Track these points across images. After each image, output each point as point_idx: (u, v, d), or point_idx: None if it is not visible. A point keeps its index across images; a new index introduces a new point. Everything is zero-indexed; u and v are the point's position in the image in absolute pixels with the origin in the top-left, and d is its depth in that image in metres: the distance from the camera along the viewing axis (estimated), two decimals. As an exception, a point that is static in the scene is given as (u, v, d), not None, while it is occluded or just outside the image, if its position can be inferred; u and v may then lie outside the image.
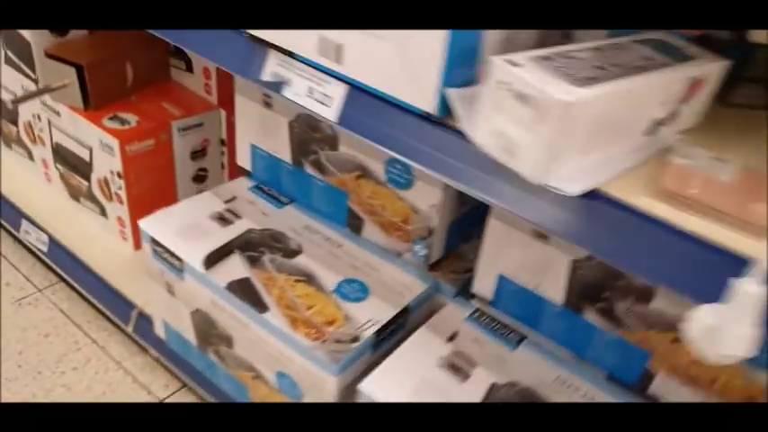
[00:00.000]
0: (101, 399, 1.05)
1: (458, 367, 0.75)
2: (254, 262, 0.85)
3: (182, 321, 0.92)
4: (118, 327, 1.15)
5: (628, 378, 0.74)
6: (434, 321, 0.81)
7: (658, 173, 0.50)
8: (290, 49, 0.62)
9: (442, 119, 0.55)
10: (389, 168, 0.82)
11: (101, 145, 1.06)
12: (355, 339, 0.76)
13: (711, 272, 0.41)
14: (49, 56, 1.05)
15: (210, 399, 1.01)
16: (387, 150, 0.58)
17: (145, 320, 1.03)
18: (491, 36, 0.55)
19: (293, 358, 0.77)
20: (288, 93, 0.64)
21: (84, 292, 1.18)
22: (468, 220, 0.90)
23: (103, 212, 1.16)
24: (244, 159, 1.01)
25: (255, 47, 0.66)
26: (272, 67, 0.65)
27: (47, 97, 1.12)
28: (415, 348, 0.76)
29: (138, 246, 1.14)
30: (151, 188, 1.10)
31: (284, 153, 0.94)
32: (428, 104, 0.54)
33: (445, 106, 0.54)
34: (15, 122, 1.29)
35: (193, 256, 0.84)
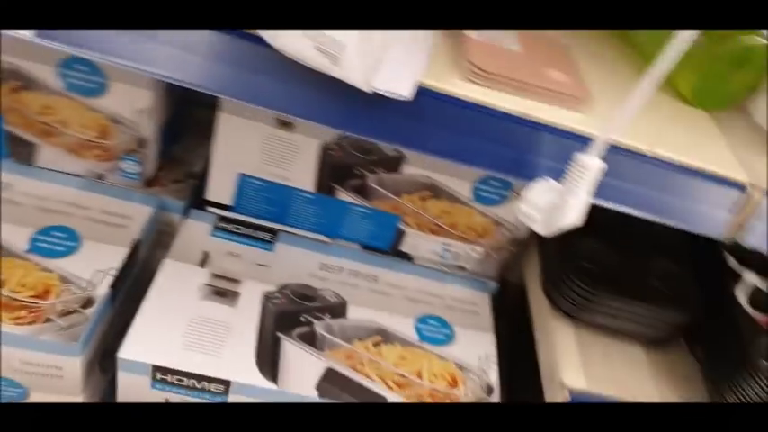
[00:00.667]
0: None
1: (223, 291, 0.65)
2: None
3: None
4: None
5: (382, 244, 0.75)
6: (176, 248, 0.68)
7: (456, 52, 0.45)
8: None
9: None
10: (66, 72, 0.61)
11: None
12: (88, 303, 0.59)
13: (537, 149, 0.40)
14: None
15: None
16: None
17: None
18: None
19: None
20: None
21: None
22: (176, 120, 0.75)
23: None
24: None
25: None
26: None
27: None
28: (166, 288, 0.63)
29: None
30: None
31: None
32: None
33: None
34: None
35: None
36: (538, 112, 0.43)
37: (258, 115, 0.65)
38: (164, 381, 0.58)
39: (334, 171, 0.69)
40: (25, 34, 0.39)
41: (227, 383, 0.58)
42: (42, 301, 0.57)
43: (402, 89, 0.40)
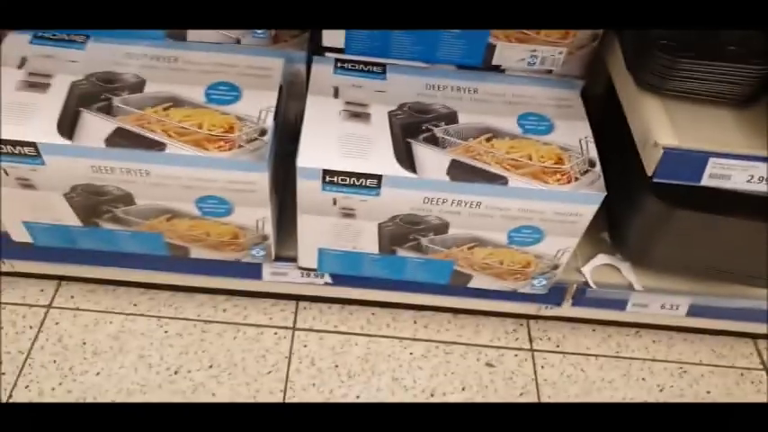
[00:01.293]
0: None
1: (357, 113, 0.81)
2: (109, 111, 0.75)
3: (54, 210, 0.80)
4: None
5: (475, 60, 0.87)
6: (313, 86, 0.83)
7: None
8: None
9: None
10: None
11: None
12: (263, 132, 0.76)
13: None
14: None
15: (106, 275, 0.95)
16: None
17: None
18: None
19: (215, 177, 0.75)
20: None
21: None
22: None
23: None
24: None
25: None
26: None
27: None
28: (315, 116, 0.80)
29: None
30: None
31: None
32: None
33: None
34: None
35: (44, 133, 0.72)
36: None
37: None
38: (331, 182, 0.75)
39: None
40: None
41: (379, 178, 0.75)
42: (232, 135, 0.75)
43: None
